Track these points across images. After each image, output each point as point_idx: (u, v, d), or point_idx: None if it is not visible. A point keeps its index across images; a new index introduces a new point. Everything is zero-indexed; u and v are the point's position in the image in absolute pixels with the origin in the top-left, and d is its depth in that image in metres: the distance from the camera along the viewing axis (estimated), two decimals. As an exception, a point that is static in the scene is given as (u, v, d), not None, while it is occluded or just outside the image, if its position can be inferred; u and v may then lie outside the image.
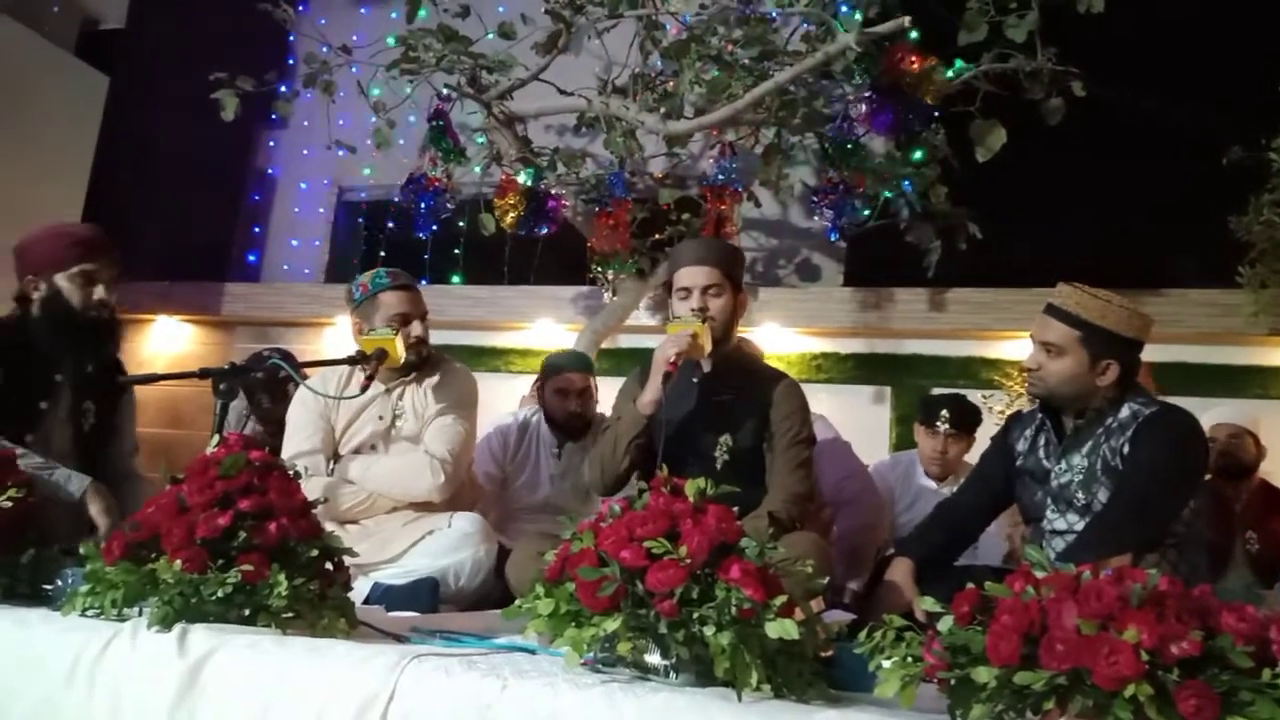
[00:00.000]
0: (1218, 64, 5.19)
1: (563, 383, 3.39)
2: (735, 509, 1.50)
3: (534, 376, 4.86)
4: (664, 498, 1.47)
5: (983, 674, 1.23)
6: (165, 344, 6.79)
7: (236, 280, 6.77)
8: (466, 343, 6.11)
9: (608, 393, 4.97)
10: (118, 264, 2.51)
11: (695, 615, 1.32)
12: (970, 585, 2.33)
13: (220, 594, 1.51)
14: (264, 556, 1.56)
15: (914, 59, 3.87)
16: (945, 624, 1.34)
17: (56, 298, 2.43)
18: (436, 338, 2.88)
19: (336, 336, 6.38)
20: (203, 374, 2.42)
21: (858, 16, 3.86)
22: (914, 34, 4.04)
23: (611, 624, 1.33)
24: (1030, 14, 4.21)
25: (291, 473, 1.75)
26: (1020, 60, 4.40)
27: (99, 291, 2.45)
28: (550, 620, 1.38)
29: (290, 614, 1.57)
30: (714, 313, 2.36)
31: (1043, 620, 1.24)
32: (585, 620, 1.35)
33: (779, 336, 5.72)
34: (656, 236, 5.31)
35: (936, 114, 4.22)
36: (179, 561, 1.51)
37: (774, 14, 4.46)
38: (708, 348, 2.31)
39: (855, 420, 5.45)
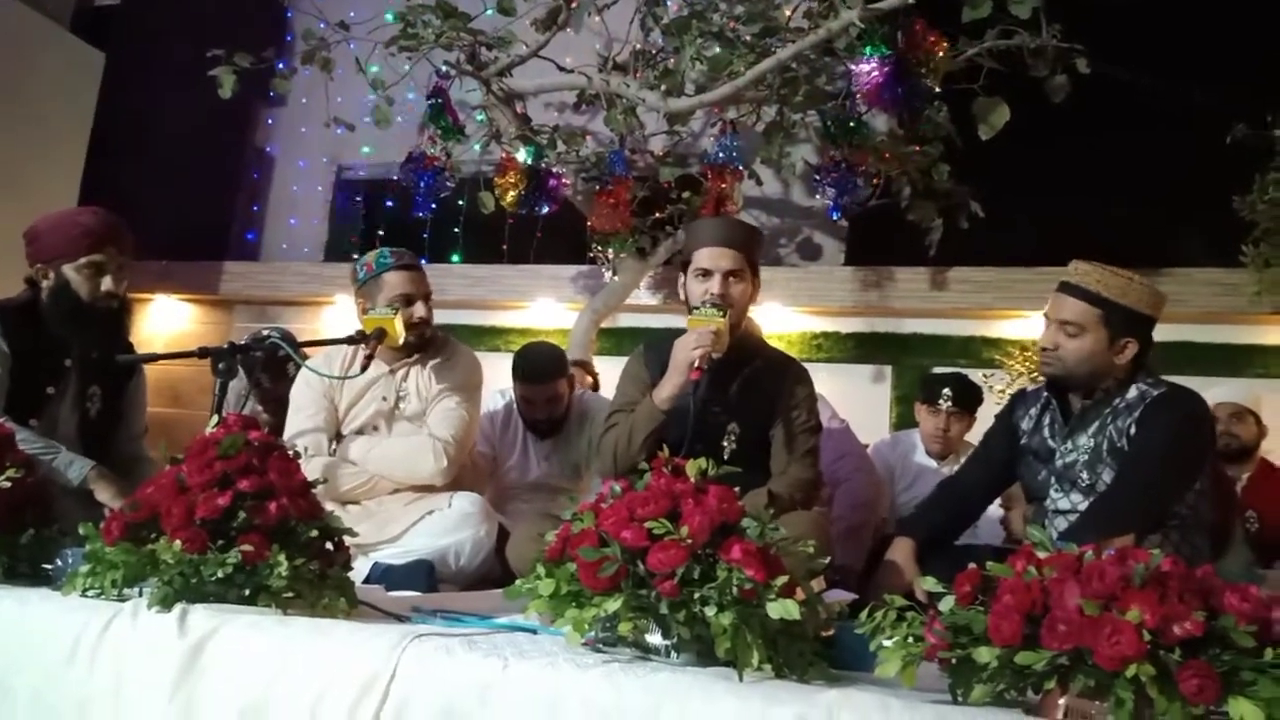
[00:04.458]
0: (1222, 41, 5.14)
1: (526, 392, 3.25)
2: (737, 490, 1.50)
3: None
4: (665, 478, 1.47)
5: (984, 654, 1.23)
6: (164, 323, 6.79)
7: (235, 259, 6.75)
8: (466, 322, 6.11)
9: (606, 370, 5.00)
10: (128, 252, 2.50)
11: (696, 596, 1.32)
12: (971, 565, 2.34)
13: (220, 574, 1.50)
14: (264, 537, 1.56)
15: (933, 38, 3.82)
16: (946, 604, 1.34)
17: (65, 289, 2.42)
18: (437, 317, 2.86)
19: (335, 315, 6.37)
20: (202, 353, 2.41)
21: (861, -7, 3.81)
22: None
23: (612, 604, 1.33)
24: (1035, -10, 4.17)
25: (291, 453, 1.74)
26: (1024, 37, 4.36)
27: (107, 283, 2.44)
28: (551, 601, 1.38)
29: (291, 594, 1.56)
30: (734, 299, 2.30)
31: (1045, 600, 1.24)
32: (586, 601, 1.35)
33: (780, 315, 5.71)
34: (657, 215, 5.29)
35: (937, 91, 4.18)
36: (179, 542, 1.51)
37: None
38: (727, 341, 2.26)
39: (856, 399, 5.45)
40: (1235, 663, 1.13)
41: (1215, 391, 3.42)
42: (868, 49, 3.67)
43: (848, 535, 3.03)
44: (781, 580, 1.35)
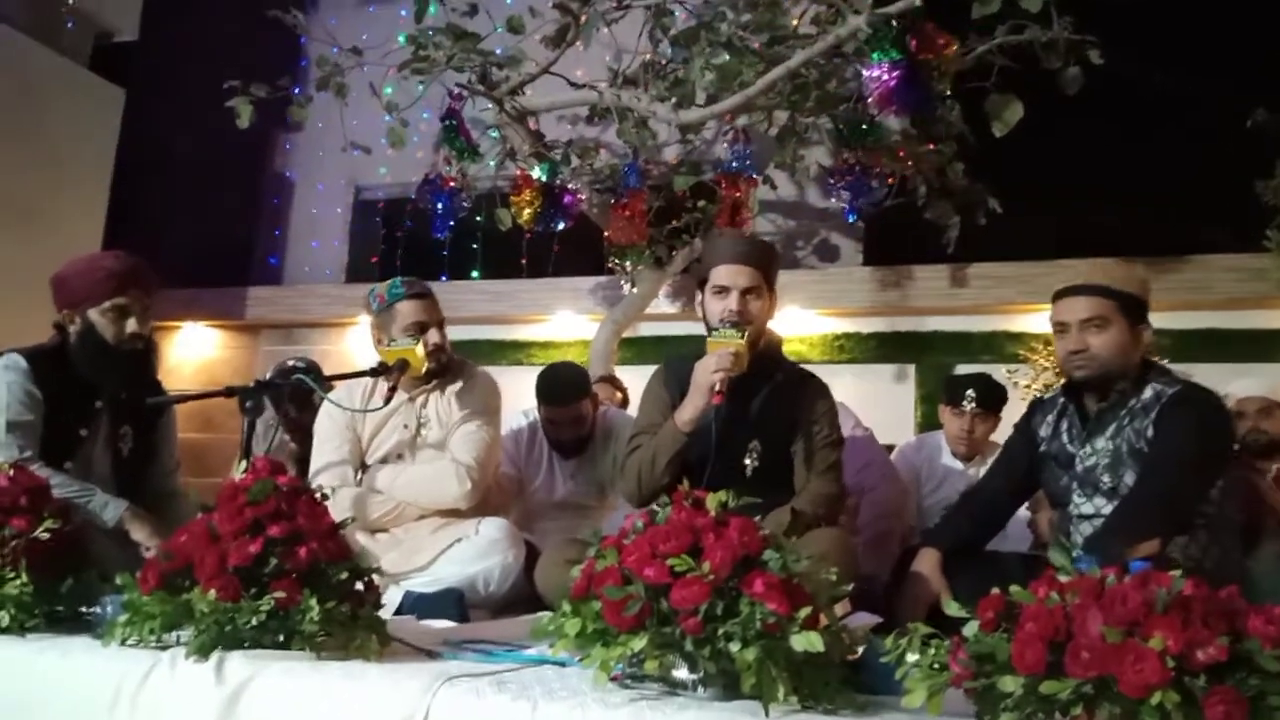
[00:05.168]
0: (1238, 24, 5.08)
1: (550, 413, 3.26)
2: (758, 518, 1.51)
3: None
4: (686, 511, 1.48)
5: (1009, 683, 1.23)
6: (191, 350, 6.88)
7: (259, 284, 6.84)
8: (488, 337, 6.16)
9: (628, 378, 5.02)
10: (151, 293, 2.54)
11: (720, 631, 1.33)
12: (998, 573, 2.33)
13: (254, 622, 1.53)
14: (295, 581, 1.59)
15: (943, 41, 3.81)
16: (971, 629, 1.34)
17: (90, 332, 2.47)
18: (458, 333, 2.88)
19: (359, 336, 6.44)
20: (229, 392, 2.46)
21: (868, -1, 3.81)
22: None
23: (638, 643, 1.34)
24: (1045, -16, 4.15)
25: (319, 495, 1.77)
26: (1035, 31, 4.33)
27: (132, 325, 2.48)
28: (577, 639, 1.39)
29: (324, 635, 1.59)
30: (752, 316, 2.32)
31: (1068, 627, 1.24)
32: (612, 639, 1.37)
33: (800, 319, 5.71)
34: (673, 224, 5.31)
35: (947, 94, 4.17)
36: (213, 591, 1.54)
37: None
38: (747, 360, 2.27)
39: (880, 399, 5.45)
40: (1262, 687, 1.13)
41: (1241, 384, 3.39)
42: (876, 55, 3.66)
43: (874, 543, 3.03)
44: (805, 612, 1.36)
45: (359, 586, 1.71)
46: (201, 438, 6.23)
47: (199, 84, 5.41)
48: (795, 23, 4.61)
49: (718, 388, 2.20)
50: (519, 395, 3.64)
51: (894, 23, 3.79)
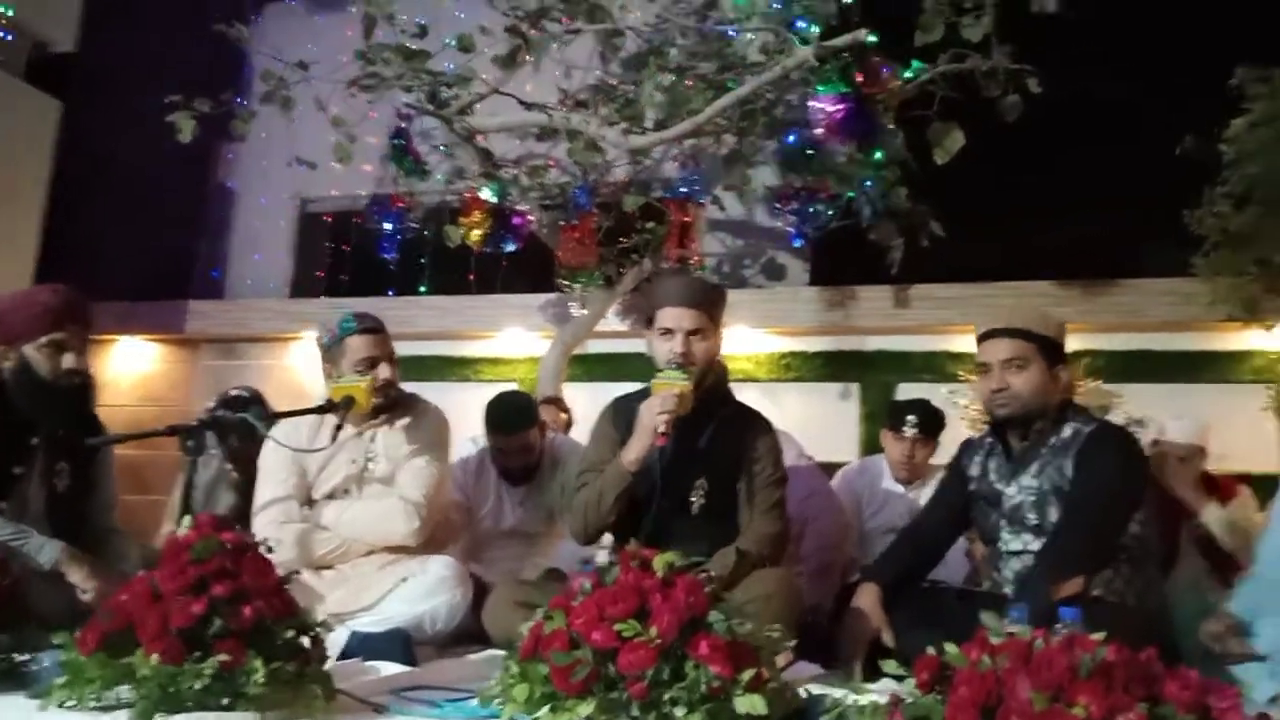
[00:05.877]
0: (1172, 55, 5.26)
1: (498, 442, 3.27)
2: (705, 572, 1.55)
3: (505, 385, 4.91)
4: (633, 573, 1.50)
5: (943, 747, 1.28)
6: (128, 364, 6.72)
7: (200, 297, 6.71)
8: (435, 353, 6.12)
9: (576, 396, 5.04)
10: (89, 327, 2.50)
11: (666, 697, 1.36)
12: (935, 607, 2.39)
13: (198, 685, 1.52)
14: (240, 642, 1.57)
15: (888, 74, 3.89)
16: (908, 687, 1.39)
17: (26, 369, 2.42)
18: (405, 349, 2.87)
19: (303, 351, 6.35)
20: (171, 431, 2.43)
21: (815, 29, 3.88)
22: (872, 38, 4.07)
23: (585, 709, 1.36)
24: (985, 17, 4.26)
25: (264, 548, 1.76)
26: (976, 59, 4.44)
27: (68, 360, 2.44)
28: (525, 704, 1.41)
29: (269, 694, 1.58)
30: (696, 357, 2.36)
31: (999, 691, 1.29)
32: (560, 704, 1.39)
33: (748, 337, 5.77)
34: (622, 243, 5.33)
35: (891, 126, 4.26)
36: (155, 655, 1.52)
37: (731, 32, 4.47)
38: (692, 401, 2.31)
39: (824, 417, 5.54)
40: (1178, 752, 1.19)
41: (1174, 426, 3.47)
42: (821, 88, 3.73)
43: (818, 574, 3.09)
44: (749, 674, 1.40)
45: (304, 642, 1.70)
46: (139, 454, 6.09)
47: (138, 95, 5.31)
48: (744, 53, 4.66)
49: (662, 429, 2.24)
50: (466, 411, 3.64)
51: (844, 54, 3.86)
